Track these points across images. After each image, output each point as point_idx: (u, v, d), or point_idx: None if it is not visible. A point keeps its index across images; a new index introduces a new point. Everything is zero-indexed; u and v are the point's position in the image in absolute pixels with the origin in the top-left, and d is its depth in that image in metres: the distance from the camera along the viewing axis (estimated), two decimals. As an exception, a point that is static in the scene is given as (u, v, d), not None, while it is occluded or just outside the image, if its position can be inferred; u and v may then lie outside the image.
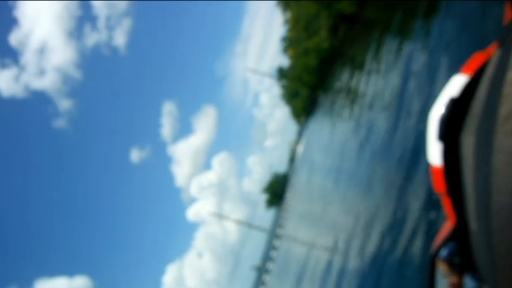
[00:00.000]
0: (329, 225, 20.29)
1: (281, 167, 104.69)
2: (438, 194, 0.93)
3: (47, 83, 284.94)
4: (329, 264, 16.88)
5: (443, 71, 10.75)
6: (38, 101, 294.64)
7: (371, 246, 11.68)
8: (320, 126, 46.77)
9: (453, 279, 1.20)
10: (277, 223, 67.62)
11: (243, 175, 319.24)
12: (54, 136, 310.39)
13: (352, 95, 27.10)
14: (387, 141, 14.13)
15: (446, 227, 1.20)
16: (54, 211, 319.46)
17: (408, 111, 12.84)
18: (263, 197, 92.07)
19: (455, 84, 0.85)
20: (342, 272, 14.36)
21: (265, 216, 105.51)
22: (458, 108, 0.82)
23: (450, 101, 0.84)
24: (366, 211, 13.51)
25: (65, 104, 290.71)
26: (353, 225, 14.66)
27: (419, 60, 13.69)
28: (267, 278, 52.53)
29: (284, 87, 71.53)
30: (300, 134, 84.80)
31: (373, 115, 18.51)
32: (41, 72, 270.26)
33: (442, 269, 1.27)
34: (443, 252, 1.26)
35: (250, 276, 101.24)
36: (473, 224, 0.73)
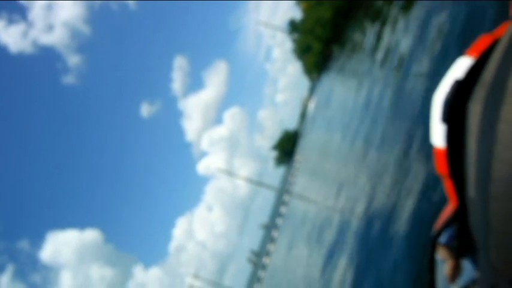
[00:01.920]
0: (338, 183, 20.37)
1: (292, 123, 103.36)
2: (440, 176, 0.91)
3: (55, 38, 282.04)
4: (336, 223, 17.30)
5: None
6: (46, 56, 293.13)
7: (379, 205, 12.01)
8: (333, 82, 45.78)
9: (451, 262, 1.18)
10: (286, 181, 66.85)
11: (253, 130, 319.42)
12: (63, 92, 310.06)
13: (367, 51, 26.07)
14: (397, 101, 14.34)
15: (448, 210, 1.18)
16: (64, 166, 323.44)
17: (419, 72, 12.85)
18: (273, 154, 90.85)
19: (460, 66, 0.85)
20: (347, 230, 14.72)
21: (275, 173, 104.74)
22: (462, 90, 0.82)
23: (455, 83, 0.84)
24: (375, 169, 13.84)
25: (73, 60, 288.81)
26: (362, 184, 14.94)
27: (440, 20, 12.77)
28: (275, 234, 52.09)
29: (295, 41, 68.63)
30: (311, 90, 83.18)
31: (386, 73, 18.07)
32: (49, 27, 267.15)
33: (441, 253, 1.24)
34: (443, 238, 1.22)
35: (259, 231, 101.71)
36: (471, 192, 0.74)
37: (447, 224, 1.20)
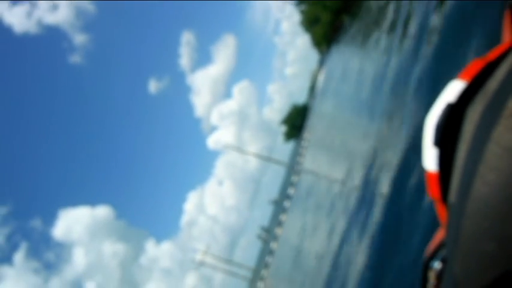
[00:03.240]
0: (348, 157, 20.41)
1: (301, 97, 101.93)
2: (432, 200, 0.91)
3: (60, 17, 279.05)
4: (347, 196, 17.21)
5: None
6: (52, 36, 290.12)
7: (388, 180, 11.97)
8: (343, 55, 44.67)
9: (434, 283, 1.16)
10: (296, 157, 66.10)
11: (263, 104, 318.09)
12: (70, 71, 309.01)
13: (381, 22, 24.98)
14: (408, 74, 14.16)
15: (440, 234, 1.16)
16: (74, 144, 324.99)
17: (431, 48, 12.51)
18: (282, 129, 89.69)
19: (453, 90, 0.85)
20: (357, 203, 14.84)
21: (285, 146, 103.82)
22: (454, 114, 0.82)
23: (447, 107, 0.84)
24: (385, 143, 13.91)
25: (79, 39, 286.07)
26: (371, 157, 15.00)
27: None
28: (287, 204, 51.93)
29: (303, 12, 66.63)
30: (321, 63, 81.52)
31: (401, 43, 17.50)
32: (54, 7, 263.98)
33: (431, 278, 1.19)
34: (434, 263, 1.18)
35: (269, 207, 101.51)
36: (452, 197, 0.75)
37: (439, 249, 1.15)
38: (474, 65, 0.83)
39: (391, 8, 24.60)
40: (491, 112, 0.69)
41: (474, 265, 0.65)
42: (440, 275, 1.14)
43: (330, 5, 49.03)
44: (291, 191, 52.53)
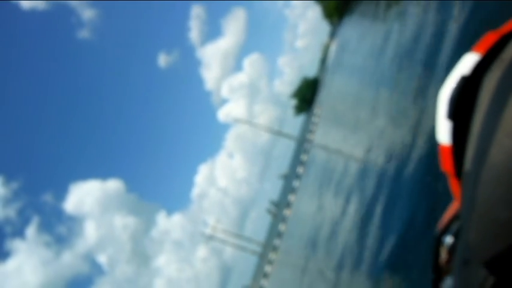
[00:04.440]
0: (359, 132, 20.20)
1: (312, 69, 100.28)
2: (445, 174, 0.92)
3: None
4: (358, 172, 17.10)
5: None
6: (59, 12, 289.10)
7: (400, 154, 11.86)
8: (356, 26, 43.31)
9: (445, 257, 1.21)
10: (306, 130, 65.30)
11: (274, 76, 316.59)
12: (79, 47, 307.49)
13: None
14: (420, 46, 14.05)
15: (452, 208, 1.20)
16: (84, 119, 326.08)
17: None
18: (292, 103, 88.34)
19: (467, 63, 0.85)
20: (368, 179, 14.71)
21: (296, 120, 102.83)
22: (468, 86, 0.83)
23: (461, 79, 0.84)
24: (396, 119, 13.72)
25: (88, 14, 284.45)
26: (382, 132, 14.90)
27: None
28: (296, 183, 51.34)
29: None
30: (332, 35, 79.81)
31: (419, 14, 16.83)
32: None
33: (442, 253, 1.25)
34: (447, 238, 1.22)
35: (279, 181, 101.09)
36: (468, 165, 0.75)
37: (451, 222, 1.18)
38: (488, 38, 0.82)
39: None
40: (508, 79, 0.69)
41: (488, 232, 0.66)
42: (452, 249, 1.15)
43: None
44: (300, 169, 51.82)
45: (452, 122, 0.83)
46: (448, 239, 1.18)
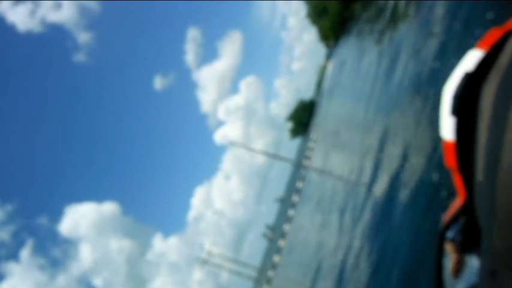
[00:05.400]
0: (356, 155, 20.02)
1: (309, 92, 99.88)
2: (449, 169, 0.93)
3: (64, 16, 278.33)
4: (353, 196, 16.88)
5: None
6: (55, 35, 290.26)
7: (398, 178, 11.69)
8: (352, 48, 42.72)
9: (455, 257, 1.19)
10: (302, 153, 64.21)
11: (270, 98, 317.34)
12: (75, 70, 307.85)
13: (394, 14, 23.68)
14: (420, 71, 13.60)
15: (456, 203, 1.19)
16: (81, 141, 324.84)
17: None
18: (288, 125, 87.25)
19: (471, 59, 0.85)
20: (363, 203, 14.49)
21: (292, 143, 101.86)
22: (472, 82, 0.83)
23: (465, 76, 0.85)
24: (394, 140, 13.50)
25: (84, 37, 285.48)
26: (378, 155, 14.70)
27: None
28: (296, 198, 50.47)
29: (310, 3, 64.05)
30: (328, 57, 79.21)
31: (414, 40, 16.35)
32: (58, 5, 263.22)
33: (448, 248, 1.24)
34: (451, 233, 1.23)
35: (275, 205, 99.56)
36: (480, 176, 0.75)
37: (455, 218, 1.18)
38: (493, 34, 0.82)
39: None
40: (506, 87, 0.68)
41: None
42: (461, 246, 1.14)
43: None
44: (295, 198, 50.59)
45: (456, 118, 0.84)
46: (452, 235, 1.17)
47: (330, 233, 20.54)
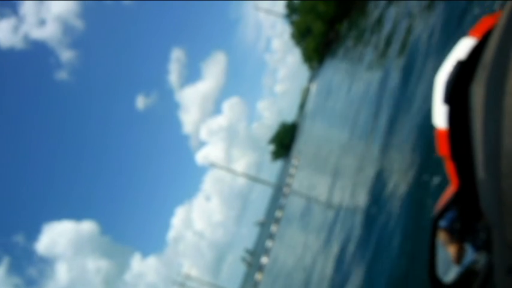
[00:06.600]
0: (338, 179, 19.62)
1: (291, 114, 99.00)
2: (441, 157, 0.94)
3: (47, 33, 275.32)
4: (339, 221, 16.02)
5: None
6: (38, 52, 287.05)
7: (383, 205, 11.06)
8: (336, 70, 41.88)
9: (454, 247, 1.18)
10: (283, 177, 62.78)
11: (253, 120, 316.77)
12: (56, 88, 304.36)
13: (381, 36, 22.49)
14: (407, 98, 12.87)
15: (449, 192, 1.18)
16: (60, 159, 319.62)
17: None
18: (270, 148, 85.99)
19: (463, 47, 0.86)
20: (348, 230, 13.91)
21: (273, 166, 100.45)
22: (465, 70, 0.84)
23: (457, 64, 0.85)
24: (377, 166, 13.13)
25: (66, 55, 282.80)
26: (360, 180, 14.45)
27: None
28: (274, 228, 49.05)
29: (294, 23, 63.18)
30: (311, 80, 78.59)
31: (400, 64, 15.37)
32: (41, 22, 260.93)
33: (442, 238, 1.24)
34: (443, 222, 1.22)
35: (255, 228, 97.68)
36: (481, 173, 0.74)
37: (448, 206, 1.18)
38: (484, 22, 0.83)
39: (393, 11, 21.41)
40: (496, 71, 0.68)
41: None
42: (458, 234, 1.13)
43: (323, 12, 45.23)
44: (278, 214, 48.93)
45: (448, 106, 0.85)
46: (444, 223, 1.16)
47: (311, 261, 19.19)
